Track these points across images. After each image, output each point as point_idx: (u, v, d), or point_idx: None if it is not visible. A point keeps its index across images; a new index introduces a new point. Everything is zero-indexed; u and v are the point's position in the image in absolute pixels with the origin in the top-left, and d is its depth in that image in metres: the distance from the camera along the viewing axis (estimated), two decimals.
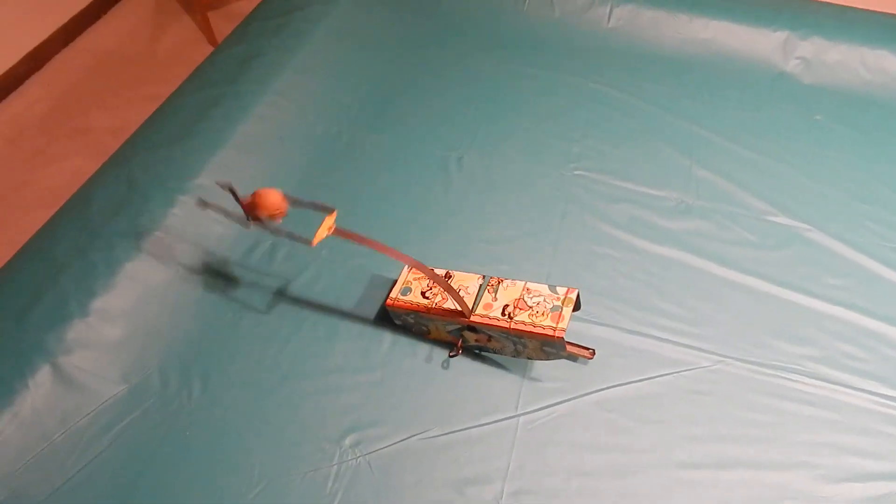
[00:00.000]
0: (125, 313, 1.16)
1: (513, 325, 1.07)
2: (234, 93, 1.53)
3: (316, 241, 1.05)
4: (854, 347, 1.20)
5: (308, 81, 1.61)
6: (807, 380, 1.16)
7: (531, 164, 1.50)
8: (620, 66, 1.72)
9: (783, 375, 1.16)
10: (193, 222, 1.30)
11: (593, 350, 1.14)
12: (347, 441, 1.07)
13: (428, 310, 1.13)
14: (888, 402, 1.13)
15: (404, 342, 1.19)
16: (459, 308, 1.10)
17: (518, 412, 1.11)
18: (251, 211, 1.05)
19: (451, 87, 1.67)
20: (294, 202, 1.06)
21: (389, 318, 1.21)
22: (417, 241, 1.35)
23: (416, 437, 1.07)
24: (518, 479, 1.03)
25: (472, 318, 1.10)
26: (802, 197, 1.44)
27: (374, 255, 1.29)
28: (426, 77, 1.69)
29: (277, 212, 1.04)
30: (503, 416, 1.10)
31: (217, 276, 1.27)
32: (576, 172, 1.48)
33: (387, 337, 1.20)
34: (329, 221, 1.07)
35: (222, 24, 2.61)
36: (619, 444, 1.08)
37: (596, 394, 1.13)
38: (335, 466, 1.04)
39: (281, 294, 1.25)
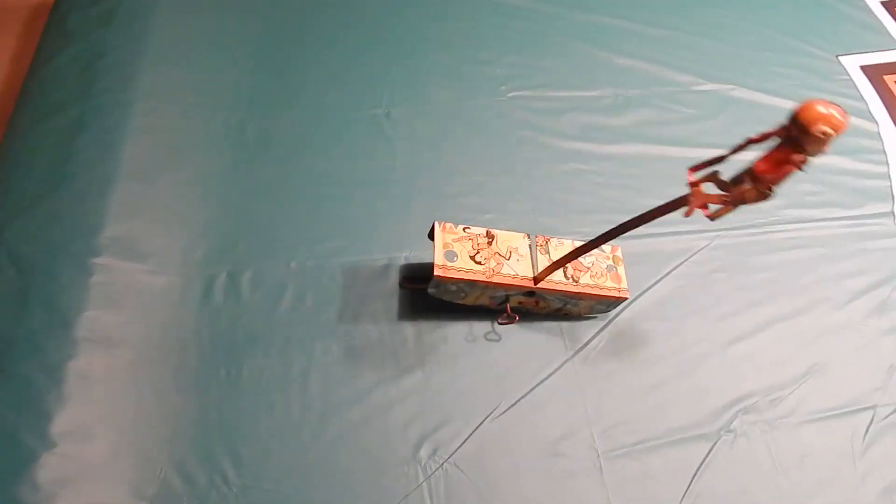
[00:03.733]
0: (99, 422, 0.93)
1: (579, 289, 1.02)
2: (92, 110, 1.21)
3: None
4: (808, 185, 1.31)
5: (176, 72, 1.32)
6: (787, 226, 1.26)
7: (464, 99, 1.39)
8: None
9: (767, 230, 1.25)
10: (124, 284, 1.05)
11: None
12: (423, 453, 0.98)
13: (489, 279, 1.00)
14: (852, 221, 1.27)
15: (430, 328, 1.09)
16: (526, 275, 1.01)
17: (569, 354, 1.08)
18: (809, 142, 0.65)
19: (342, 36, 1.47)
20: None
21: (403, 307, 1.10)
22: (389, 217, 1.21)
23: (488, 420, 1.01)
24: (601, 418, 1.02)
25: (539, 285, 1.01)
26: (715, 60, 1.50)
27: (350, 246, 1.16)
28: (310, 33, 1.47)
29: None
30: (559, 364, 1.07)
31: (185, 333, 1.05)
32: (510, 95, 1.41)
33: (409, 329, 1.09)
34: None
35: None
36: (671, 347, 1.10)
37: (629, 308, 1.13)
38: (424, 484, 0.95)
39: (271, 328, 1.07)
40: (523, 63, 1.46)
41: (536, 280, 1.01)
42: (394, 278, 1.13)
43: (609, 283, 1.04)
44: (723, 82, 1.46)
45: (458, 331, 1.09)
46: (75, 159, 1.13)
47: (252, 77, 1.36)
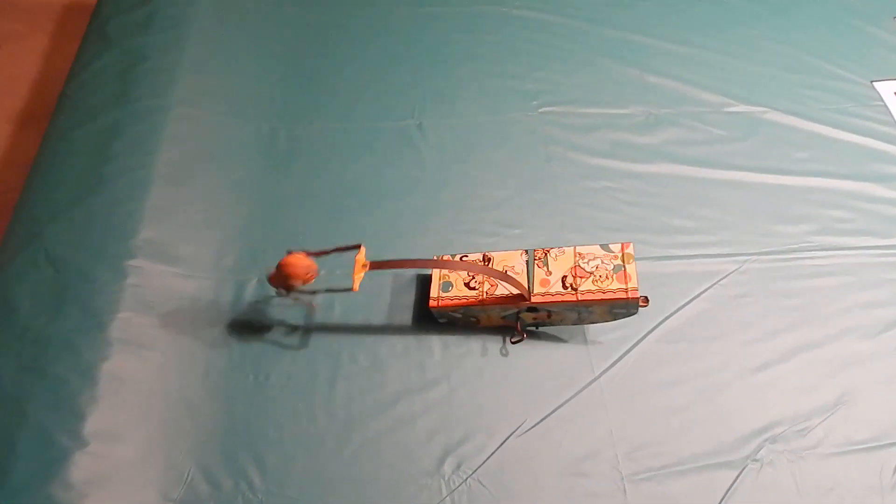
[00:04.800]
0: (129, 424, 0.94)
1: (580, 297, 1.01)
2: (129, 116, 1.24)
3: (356, 285, 0.96)
4: (839, 211, 1.30)
5: (211, 81, 1.35)
6: (816, 253, 1.24)
7: (494, 113, 1.40)
8: None
9: (797, 256, 1.24)
10: (157, 287, 1.06)
11: (646, 297, 1.11)
12: (447, 467, 0.98)
13: (481, 302, 1.03)
14: (884, 251, 1.25)
15: (456, 341, 1.09)
16: (517, 292, 1.02)
17: (596, 374, 1.08)
18: (282, 283, 0.96)
19: (374, 47, 1.49)
20: (319, 255, 0.97)
21: (429, 319, 1.10)
22: (411, 228, 1.22)
23: (513, 436, 1.01)
24: (625, 439, 1.02)
25: (533, 299, 1.02)
26: (746, 81, 1.50)
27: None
28: (341, 44, 1.49)
29: (309, 275, 0.96)
30: (584, 384, 1.07)
31: (214, 338, 1.06)
32: (541, 111, 1.41)
33: (435, 342, 1.09)
34: (361, 259, 0.97)
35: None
36: (695, 370, 1.09)
37: (655, 330, 1.13)
38: (447, 499, 0.95)
39: (298, 335, 1.08)
40: (553, 79, 1.46)
41: (528, 296, 1.02)
42: (419, 291, 1.14)
43: (614, 286, 1.02)
44: (754, 104, 1.45)
45: (484, 345, 1.10)
46: (111, 164, 1.15)
47: (284, 86, 1.38)
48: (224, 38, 1.41)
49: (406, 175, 1.29)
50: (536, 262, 1.06)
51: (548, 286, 1.03)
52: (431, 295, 1.06)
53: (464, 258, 1.10)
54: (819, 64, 1.53)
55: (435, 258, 1.12)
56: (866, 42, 1.60)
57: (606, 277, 1.02)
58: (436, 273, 1.09)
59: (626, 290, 1.01)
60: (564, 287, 1.03)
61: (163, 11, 1.40)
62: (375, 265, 0.97)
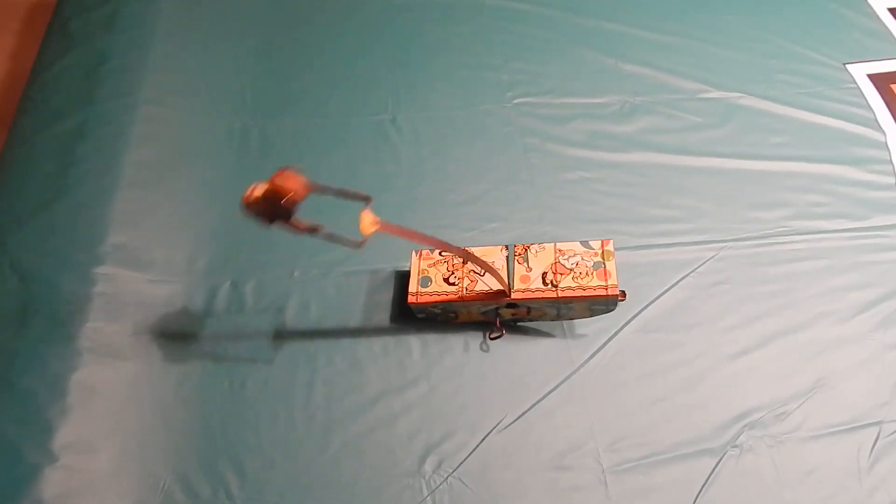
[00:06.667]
0: (101, 435, 0.92)
1: (560, 294, 1.01)
2: (94, 117, 1.21)
3: (364, 241, 0.85)
4: (815, 195, 1.30)
5: (179, 78, 1.32)
6: (792, 238, 1.24)
7: (469, 106, 1.38)
8: None
9: (774, 241, 1.24)
10: (127, 294, 1.04)
11: (623, 291, 1.10)
12: (427, 466, 0.97)
13: (461, 297, 1.02)
14: (859, 233, 1.25)
15: (435, 339, 1.09)
16: (499, 288, 1.01)
17: (575, 367, 1.07)
18: (271, 199, 0.77)
19: (346, 40, 1.46)
20: (319, 189, 0.81)
21: (406, 318, 1.09)
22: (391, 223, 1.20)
23: (493, 432, 1.00)
24: (606, 431, 1.02)
25: (514, 295, 1.01)
26: (721, 67, 1.49)
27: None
28: (313, 37, 1.46)
29: (304, 188, 0.78)
30: (565, 376, 1.06)
31: (187, 345, 1.04)
32: (516, 102, 1.40)
33: (414, 341, 1.08)
34: (369, 216, 0.85)
35: None
36: (674, 358, 1.09)
37: (634, 321, 1.12)
38: (428, 499, 0.95)
39: (274, 338, 1.07)
40: (529, 69, 1.45)
41: (509, 291, 1.01)
42: (397, 288, 1.13)
43: (594, 283, 1.01)
44: (729, 90, 1.45)
45: (462, 342, 1.09)
46: (77, 167, 1.12)
47: (255, 82, 1.35)
48: (191, 34, 1.37)
49: (381, 170, 1.28)
50: (517, 257, 1.05)
51: (528, 282, 1.02)
52: (410, 290, 1.05)
53: (442, 253, 1.08)
54: (792, 47, 1.53)
55: (414, 253, 1.10)
56: (839, 24, 1.60)
57: (587, 274, 1.02)
58: (414, 268, 1.07)
59: (605, 287, 1.01)
60: (545, 283, 1.02)
61: (127, 8, 1.36)
62: (387, 227, 0.87)
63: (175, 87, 1.29)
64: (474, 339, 1.09)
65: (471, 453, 0.98)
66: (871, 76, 1.49)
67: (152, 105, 1.24)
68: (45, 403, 0.90)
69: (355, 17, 1.50)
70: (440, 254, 1.09)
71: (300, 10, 1.49)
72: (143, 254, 1.09)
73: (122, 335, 1.00)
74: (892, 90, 1.47)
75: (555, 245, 1.05)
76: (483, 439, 1.00)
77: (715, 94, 1.44)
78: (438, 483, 0.96)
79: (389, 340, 1.08)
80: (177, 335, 1.04)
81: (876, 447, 1.02)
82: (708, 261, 1.20)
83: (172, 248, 1.11)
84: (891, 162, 1.36)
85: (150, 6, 1.37)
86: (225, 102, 1.31)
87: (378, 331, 1.09)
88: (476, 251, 1.07)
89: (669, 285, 1.17)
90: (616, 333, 1.11)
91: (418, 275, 1.06)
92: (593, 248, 1.04)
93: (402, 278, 1.13)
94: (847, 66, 1.51)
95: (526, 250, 1.05)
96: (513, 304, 1.04)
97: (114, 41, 1.29)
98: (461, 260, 1.07)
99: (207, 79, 1.33)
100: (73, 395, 0.92)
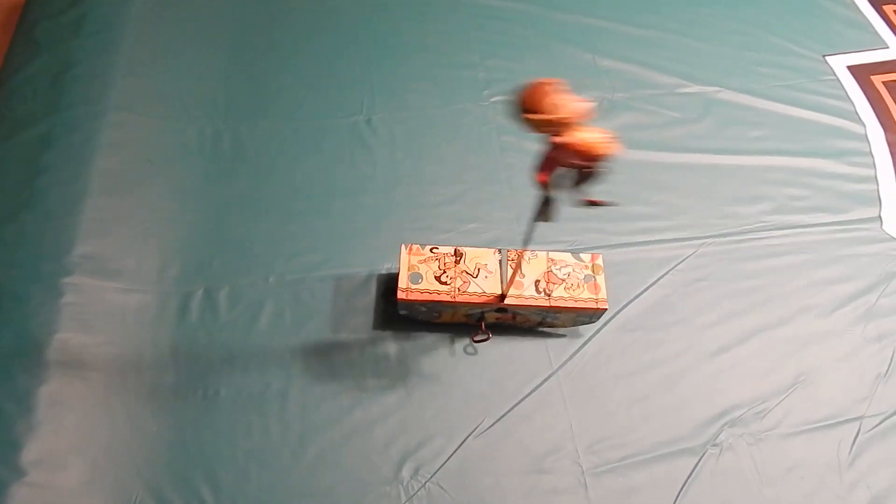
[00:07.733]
0: (71, 450, 0.90)
1: (552, 303, 0.99)
2: (62, 124, 1.18)
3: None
4: (794, 189, 1.30)
5: (148, 83, 1.29)
6: (772, 233, 1.24)
7: (446, 105, 1.36)
8: None
9: (754, 237, 1.23)
10: (97, 304, 1.02)
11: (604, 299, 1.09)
12: (405, 472, 0.96)
13: (454, 299, 1.00)
14: (839, 226, 1.25)
15: (411, 344, 1.07)
16: (493, 292, 1.00)
17: (554, 368, 1.06)
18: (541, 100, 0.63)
19: (319, 40, 1.44)
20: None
21: (385, 323, 1.08)
22: (365, 228, 1.19)
23: (471, 437, 0.99)
24: (585, 433, 1.01)
25: (507, 301, 1.00)
26: (699, 61, 1.48)
27: (329, 259, 1.14)
28: (285, 38, 1.43)
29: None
30: (543, 378, 1.05)
31: (159, 354, 1.03)
32: (493, 100, 1.38)
33: (390, 345, 1.07)
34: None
35: None
36: (654, 358, 1.09)
37: (613, 320, 1.12)
38: None
39: (249, 346, 1.05)
40: (506, 66, 1.43)
41: (504, 296, 1.00)
42: (374, 291, 1.11)
43: (585, 295, 1.01)
44: (708, 84, 1.44)
45: (440, 346, 1.07)
46: (44, 176, 1.10)
47: (226, 85, 1.33)
48: (161, 38, 1.35)
49: (357, 173, 1.26)
50: (509, 262, 1.03)
51: (522, 288, 1.01)
52: (400, 286, 1.01)
53: (433, 249, 1.05)
54: (771, 39, 1.52)
55: (403, 247, 1.05)
56: (819, 15, 1.59)
57: (578, 286, 1.02)
58: (404, 263, 1.03)
59: (595, 301, 1.01)
60: (538, 291, 1.01)
61: (94, 13, 1.33)
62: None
63: (144, 92, 1.26)
64: (452, 342, 1.08)
65: (449, 458, 0.97)
66: (850, 68, 1.48)
67: (121, 111, 1.22)
68: (12, 419, 0.88)
69: (329, 16, 1.48)
70: (431, 250, 1.05)
71: (273, 11, 1.47)
72: (114, 263, 1.07)
73: (92, 346, 0.98)
74: (872, 82, 1.46)
75: (547, 254, 1.04)
76: (461, 444, 0.99)
77: (693, 88, 1.43)
78: (416, 489, 0.95)
79: (366, 345, 1.06)
80: (148, 344, 1.02)
81: (856, 442, 1.01)
82: (688, 258, 1.19)
83: (143, 256, 1.09)
84: (871, 154, 1.35)
85: (119, 9, 1.35)
86: (196, 106, 1.28)
87: (354, 336, 1.07)
88: (468, 251, 1.04)
89: (649, 283, 1.16)
90: (595, 333, 1.10)
91: (408, 270, 1.02)
92: (584, 261, 1.04)
93: (382, 282, 1.12)
94: (827, 57, 1.50)
95: (520, 256, 1.03)
96: (501, 309, 1.02)
97: (81, 46, 1.27)
98: (453, 259, 1.04)
99: (178, 83, 1.30)
100: (42, 409, 0.90)
